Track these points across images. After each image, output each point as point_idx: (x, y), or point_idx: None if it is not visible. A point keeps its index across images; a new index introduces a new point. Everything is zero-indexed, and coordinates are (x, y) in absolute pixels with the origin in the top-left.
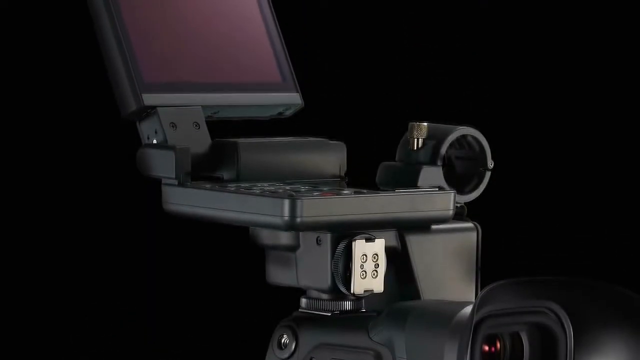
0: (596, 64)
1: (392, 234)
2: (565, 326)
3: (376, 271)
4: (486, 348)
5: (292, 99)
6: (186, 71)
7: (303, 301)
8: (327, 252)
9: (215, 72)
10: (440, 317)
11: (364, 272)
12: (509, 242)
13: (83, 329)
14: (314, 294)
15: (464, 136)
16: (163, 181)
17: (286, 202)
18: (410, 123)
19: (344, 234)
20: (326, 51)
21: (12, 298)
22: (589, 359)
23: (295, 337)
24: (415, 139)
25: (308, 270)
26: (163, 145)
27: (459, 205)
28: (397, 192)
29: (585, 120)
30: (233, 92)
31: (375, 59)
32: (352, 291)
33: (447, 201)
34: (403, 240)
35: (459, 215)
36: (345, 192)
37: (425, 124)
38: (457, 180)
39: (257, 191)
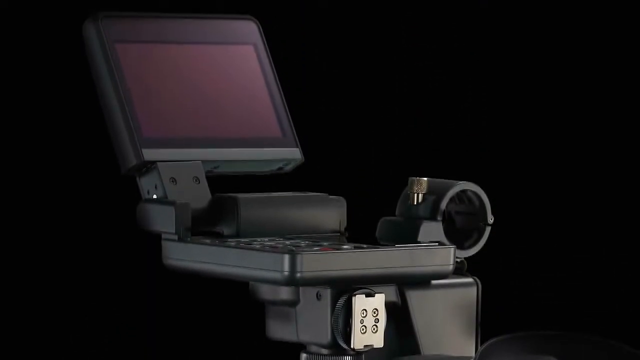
0: (596, 65)
1: (392, 289)
2: None
3: (376, 326)
4: None
5: (292, 153)
6: (186, 126)
7: (303, 356)
8: (327, 307)
9: (215, 127)
10: None
11: (364, 327)
12: (509, 297)
13: None
14: (314, 348)
15: (464, 191)
16: (163, 236)
17: (286, 257)
18: (410, 178)
19: (344, 289)
20: (326, 106)
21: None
22: None
23: None
24: (415, 194)
25: (308, 326)
26: (163, 201)
27: (459, 260)
28: (397, 247)
29: (586, 158)
30: (233, 147)
31: (375, 111)
32: (352, 346)
33: (447, 256)
34: (403, 295)
35: (459, 270)
36: (345, 247)
37: (425, 179)
38: (457, 235)
39: (257, 246)
